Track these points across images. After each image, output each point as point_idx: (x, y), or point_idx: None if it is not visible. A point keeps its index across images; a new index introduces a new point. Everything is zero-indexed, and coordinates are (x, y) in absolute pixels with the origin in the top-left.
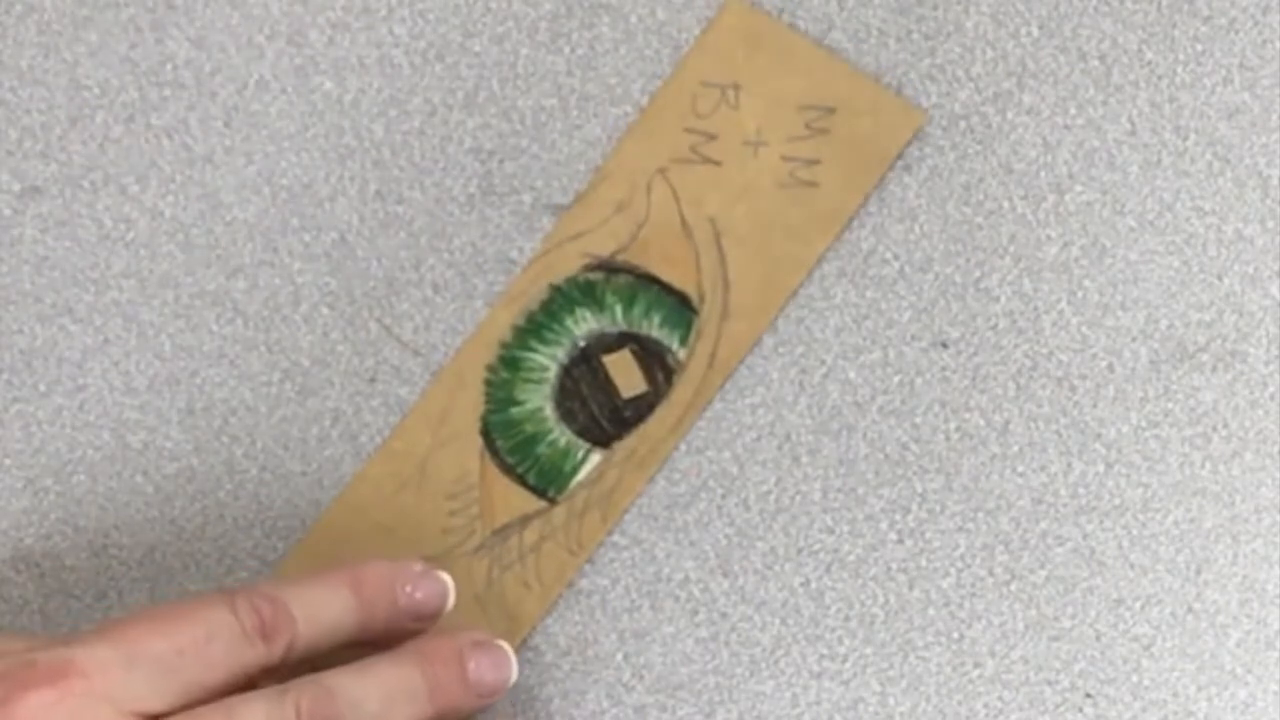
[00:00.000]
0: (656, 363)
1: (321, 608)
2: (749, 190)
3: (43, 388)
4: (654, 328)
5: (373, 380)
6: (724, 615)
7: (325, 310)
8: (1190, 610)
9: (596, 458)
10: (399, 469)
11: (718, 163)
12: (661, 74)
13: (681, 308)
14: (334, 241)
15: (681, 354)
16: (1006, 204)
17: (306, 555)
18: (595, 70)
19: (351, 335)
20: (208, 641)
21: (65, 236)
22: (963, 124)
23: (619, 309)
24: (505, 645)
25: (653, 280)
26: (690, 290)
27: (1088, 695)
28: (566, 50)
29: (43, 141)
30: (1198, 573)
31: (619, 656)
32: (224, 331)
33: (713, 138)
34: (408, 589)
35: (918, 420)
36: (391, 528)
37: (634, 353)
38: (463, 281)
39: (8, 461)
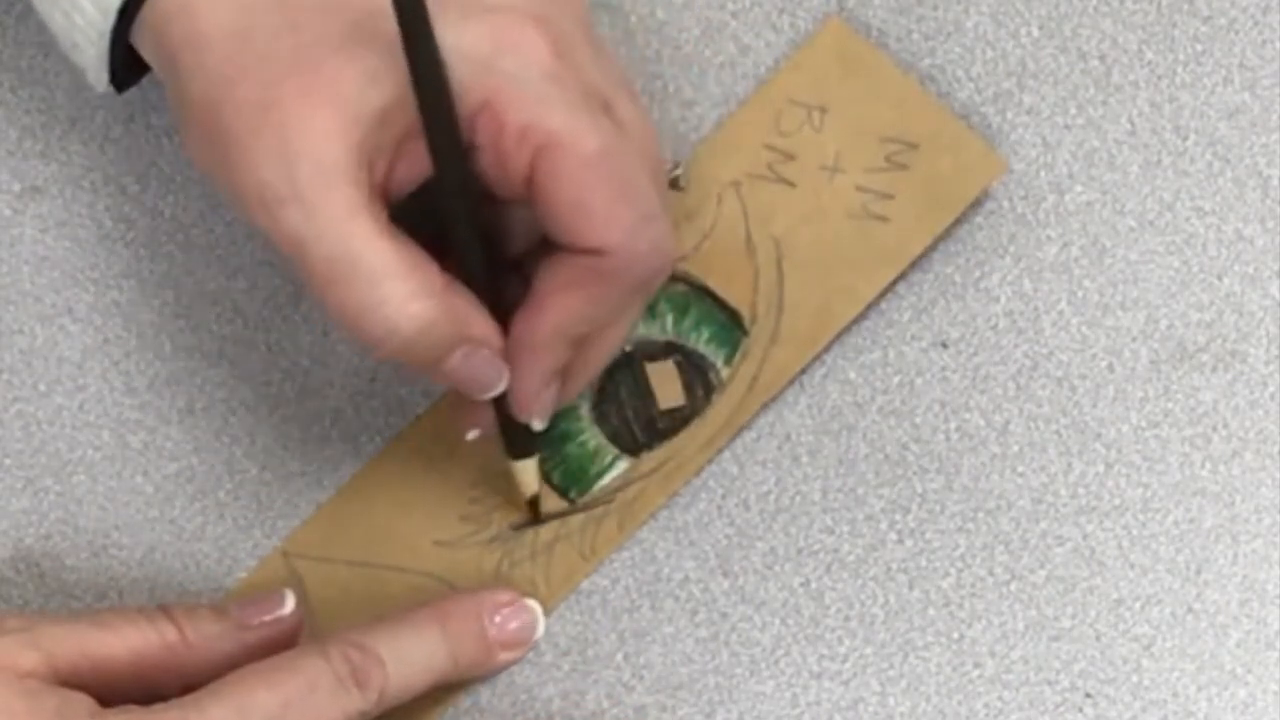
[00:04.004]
0: (698, 378)
1: (409, 648)
2: (819, 216)
3: (43, 388)
4: (701, 342)
5: (373, 380)
6: (724, 615)
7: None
8: (1190, 610)
9: (623, 465)
10: (428, 448)
11: (792, 184)
12: (659, 73)
13: (732, 326)
14: None
15: (725, 372)
16: (1007, 204)
17: (323, 523)
18: None
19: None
20: (310, 691)
21: (65, 236)
22: (962, 123)
23: (670, 318)
24: None
25: (707, 293)
26: (744, 309)
27: (1088, 695)
28: None
29: (43, 141)
30: (1198, 573)
31: (619, 656)
32: (224, 331)
33: (791, 158)
34: (497, 619)
35: (918, 420)
36: (409, 507)
37: (678, 364)
38: None
39: (8, 461)
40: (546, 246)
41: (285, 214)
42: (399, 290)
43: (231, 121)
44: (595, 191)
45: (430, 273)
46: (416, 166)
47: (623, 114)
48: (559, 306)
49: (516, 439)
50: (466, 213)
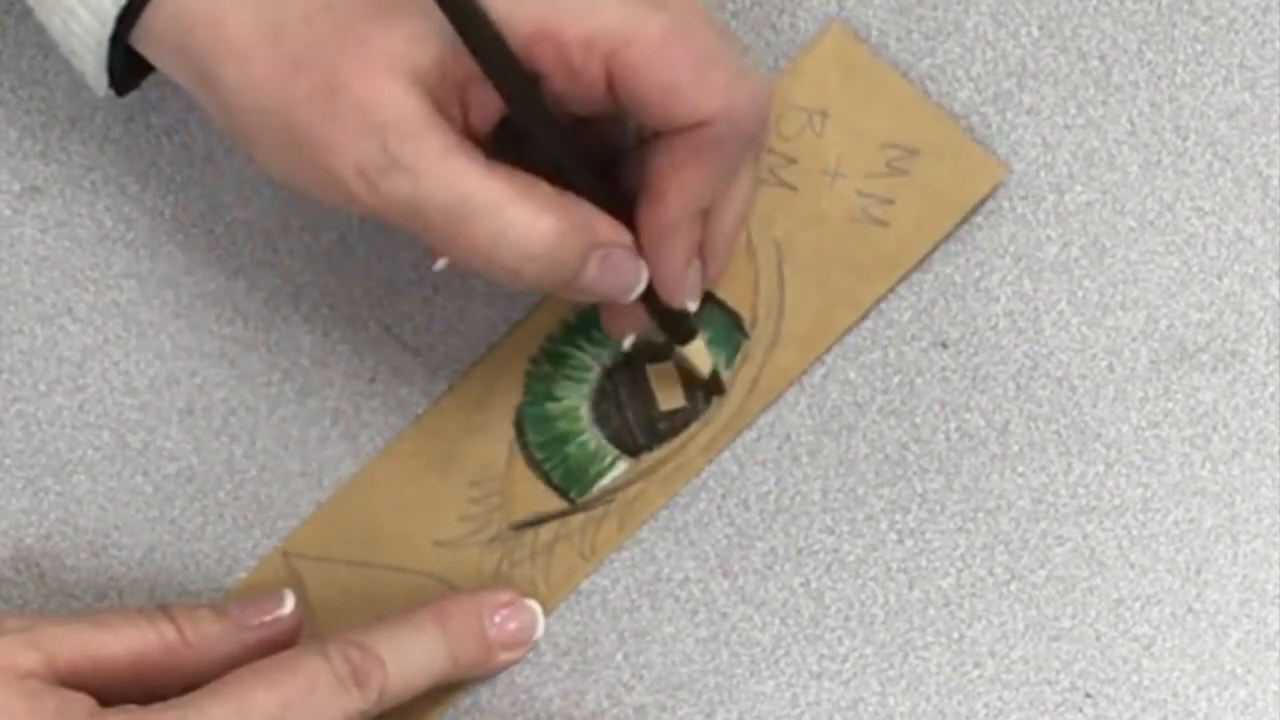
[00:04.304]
0: (699, 380)
1: (409, 648)
2: (819, 220)
3: (43, 388)
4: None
5: (373, 380)
6: (724, 615)
7: (325, 310)
8: (1190, 610)
9: (623, 465)
10: (428, 448)
11: (793, 187)
12: None
13: (733, 329)
14: (334, 241)
15: (725, 375)
16: (1007, 204)
17: (323, 523)
18: None
19: (351, 335)
20: (309, 691)
21: (65, 236)
22: (962, 124)
23: None
24: None
25: (708, 296)
26: (745, 312)
27: (1088, 695)
28: None
29: (43, 141)
30: (1198, 573)
31: (619, 656)
32: (224, 331)
33: (792, 162)
34: (497, 619)
35: (918, 420)
36: (410, 507)
37: (678, 366)
38: (463, 282)
39: (8, 461)
40: (645, 138)
41: (390, 183)
42: (520, 215)
43: (303, 118)
44: (679, 69)
45: (543, 191)
46: (491, 104)
47: None
48: (679, 187)
49: (675, 326)
50: (555, 139)
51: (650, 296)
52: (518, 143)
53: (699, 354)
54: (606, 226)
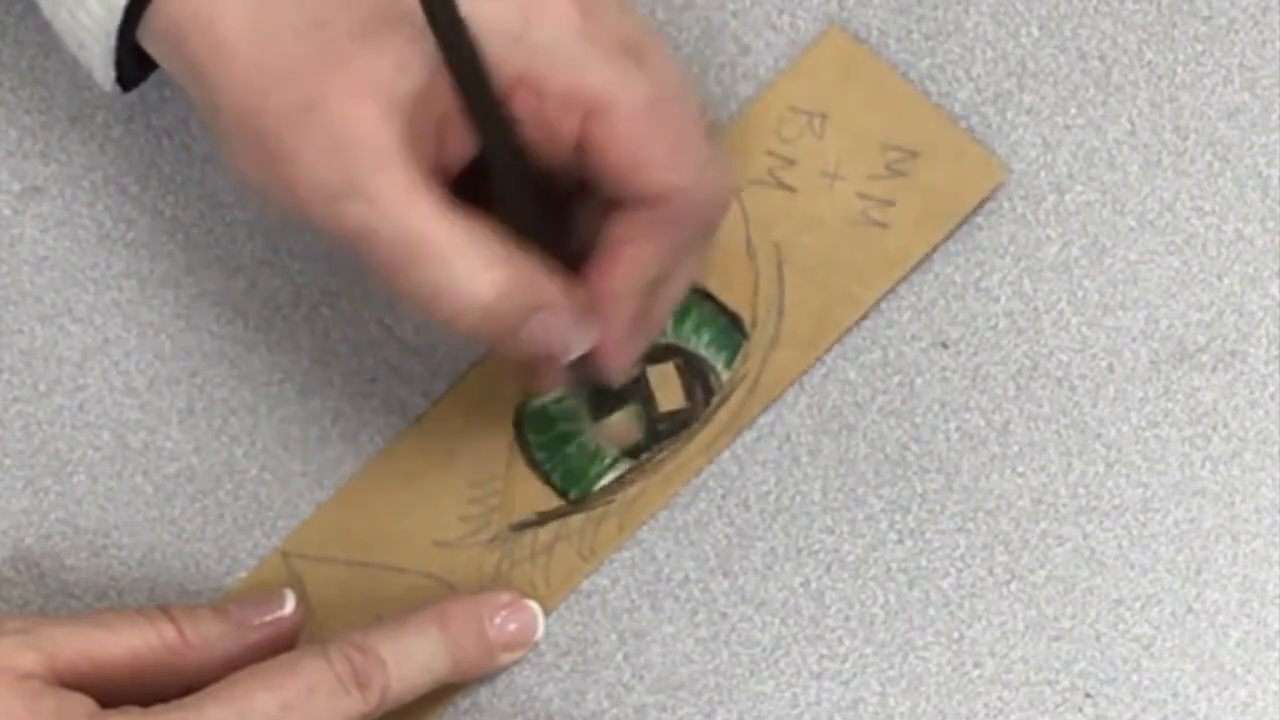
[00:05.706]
0: (699, 381)
1: (410, 649)
2: (819, 222)
3: (43, 388)
4: (702, 345)
5: (373, 380)
6: (724, 615)
7: (325, 310)
8: (1190, 610)
9: (623, 466)
10: (428, 448)
11: (793, 189)
12: None
13: (732, 329)
14: None
15: (725, 376)
16: (1007, 204)
17: (323, 523)
18: None
19: (351, 335)
20: (310, 693)
21: (65, 236)
22: (962, 124)
23: (671, 321)
24: None
25: (708, 297)
26: (744, 313)
27: (1088, 695)
28: None
29: (43, 141)
30: (1198, 573)
31: (619, 656)
32: (224, 331)
33: (792, 164)
34: (497, 620)
35: (918, 420)
36: (409, 507)
37: (678, 367)
38: None
39: (8, 461)
40: (604, 201)
41: (346, 207)
42: (469, 264)
43: (274, 126)
44: (653, 142)
45: (497, 243)
46: (464, 143)
47: (656, 60)
48: (632, 257)
49: (596, 398)
50: (522, 186)
51: (579, 366)
52: (484, 183)
53: (622, 428)
54: (552, 287)
